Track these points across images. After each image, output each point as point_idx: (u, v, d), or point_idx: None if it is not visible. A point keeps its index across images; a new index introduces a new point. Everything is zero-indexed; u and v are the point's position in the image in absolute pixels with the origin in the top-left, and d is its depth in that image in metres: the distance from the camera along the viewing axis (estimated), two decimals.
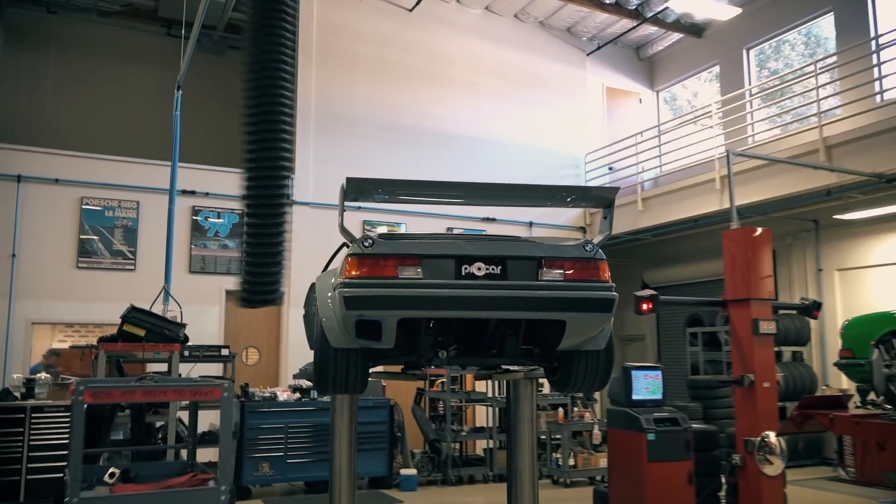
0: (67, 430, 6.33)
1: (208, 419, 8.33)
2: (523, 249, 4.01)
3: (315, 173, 11.28)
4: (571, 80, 14.01)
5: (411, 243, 3.96)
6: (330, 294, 4.03)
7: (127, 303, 6.77)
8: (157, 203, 9.76)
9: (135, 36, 12.57)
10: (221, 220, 10.63)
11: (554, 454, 9.58)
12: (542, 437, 9.98)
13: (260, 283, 4.65)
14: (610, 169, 13.69)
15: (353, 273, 3.78)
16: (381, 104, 12.14)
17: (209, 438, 8.12)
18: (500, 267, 3.86)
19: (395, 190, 4.23)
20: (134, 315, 4.85)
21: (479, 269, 3.84)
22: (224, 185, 10.84)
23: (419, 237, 4.11)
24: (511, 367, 4.94)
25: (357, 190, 3.98)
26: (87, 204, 9.91)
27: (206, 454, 8.45)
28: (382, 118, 12.11)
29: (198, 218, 10.53)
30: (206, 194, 10.63)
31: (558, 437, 9.53)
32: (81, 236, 9.84)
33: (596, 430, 9.48)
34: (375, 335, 3.80)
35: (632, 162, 13.05)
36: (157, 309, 6.87)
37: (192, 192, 10.53)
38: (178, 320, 6.81)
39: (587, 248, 3.96)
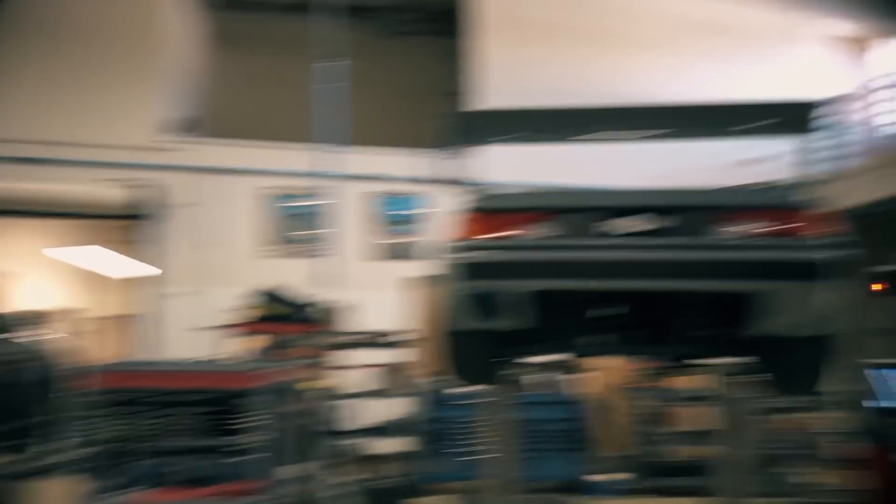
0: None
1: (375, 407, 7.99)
2: (702, 197, 2.95)
3: (496, 151, 10.53)
4: (796, 30, 11.90)
5: (547, 194, 3.07)
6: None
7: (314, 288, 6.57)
8: (339, 189, 9.68)
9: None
10: (400, 207, 10.35)
11: (782, 469, 7.97)
12: (768, 448, 8.42)
13: None
14: None
15: (471, 233, 2.98)
16: (568, 73, 11.11)
17: (381, 431, 7.74)
18: (669, 221, 2.84)
19: (526, 124, 3.33)
20: (270, 297, 4.54)
21: (641, 224, 2.85)
22: (401, 169, 10.53)
23: (557, 189, 3.21)
24: (713, 360, 3.90)
25: (473, 129, 3.17)
26: (268, 193, 10.07)
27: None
28: (571, 89, 11.02)
29: (376, 204, 10.32)
30: (384, 179, 10.38)
31: (785, 447, 7.92)
32: (263, 225, 9.99)
33: (836, 442, 7.72)
34: (501, 313, 2.96)
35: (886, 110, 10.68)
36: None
37: (370, 178, 10.33)
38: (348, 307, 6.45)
39: (795, 194, 2.81)
